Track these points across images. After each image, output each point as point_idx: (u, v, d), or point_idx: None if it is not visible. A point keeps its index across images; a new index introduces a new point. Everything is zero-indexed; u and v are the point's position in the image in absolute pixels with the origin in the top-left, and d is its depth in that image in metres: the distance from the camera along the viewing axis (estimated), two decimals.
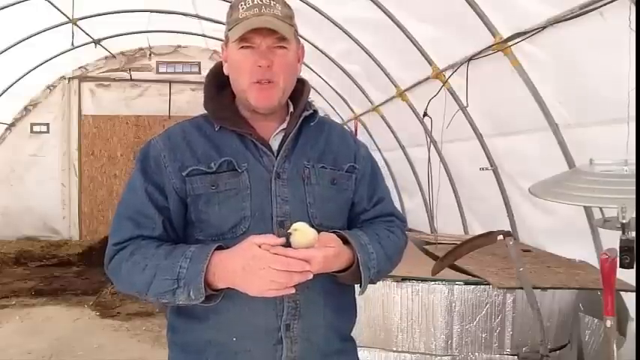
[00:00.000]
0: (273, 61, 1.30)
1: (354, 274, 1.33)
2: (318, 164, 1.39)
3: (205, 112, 1.42)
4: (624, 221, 1.62)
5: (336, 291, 1.39)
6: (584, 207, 2.96)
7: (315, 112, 1.44)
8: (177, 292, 1.22)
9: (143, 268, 1.25)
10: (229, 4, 1.39)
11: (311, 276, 1.20)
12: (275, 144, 1.38)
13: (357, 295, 1.48)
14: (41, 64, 7.85)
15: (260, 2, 1.31)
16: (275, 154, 1.36)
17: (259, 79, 1.31)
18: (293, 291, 1.20)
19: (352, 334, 1.50)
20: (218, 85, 1.43)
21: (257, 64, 1.29)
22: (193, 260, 1.22)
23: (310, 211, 1.34)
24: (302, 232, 1.24)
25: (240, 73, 1.33)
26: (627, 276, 2.09)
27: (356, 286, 1.42)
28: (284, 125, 1.40)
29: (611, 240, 1.92)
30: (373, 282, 1.39)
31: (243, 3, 1.32)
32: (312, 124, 1.43)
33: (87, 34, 7.28)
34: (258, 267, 1.17)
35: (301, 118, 1.40)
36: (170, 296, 1.23)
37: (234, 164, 1.33)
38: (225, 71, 1.38)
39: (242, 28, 1.28)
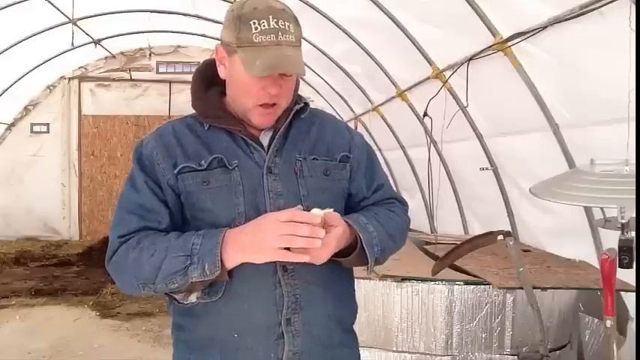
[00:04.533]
0: (282, 87, 1.30)
1: (358, 255, 1.33)
2: (310, 156, 1.39)
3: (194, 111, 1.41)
4: (623, 221, 1.62)
5: (335, 282, 1.39)
6: (584, 207, 2.96)
7: (306, 104, 1.44)
8: (190, 268, 1.20)
9: (152, 253, 1.24)
10: (229, 4, 1.35)
11: (320, 240, 1.18)
12: (266, 139, 1.38)
13: (356, 291, 1.49)
14: (41, 64, 7.87)
15: (276, 26, 1.23)
16: (266, 149, 1.36)
17: (265, 103, 1.30)
18: (306, 258, 1.18)
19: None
20: (206, 82, 1.41)
21: (266, 90, 1.28)
22: (207, 236, 1.23)
23: (304, 204, 1.32)
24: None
25: (246, 93, 1.30)
26: (627, 276, 2.09)
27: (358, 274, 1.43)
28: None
29: (611, 240, 1.92)
30: (379, 262, 1.38)
31: (256, 22, 1.23)
32: (302, 116, 1.43)
33: (87, 34, 7.30)
34: (267, 221, 1.19)
35: (292, 112, 1.40)
36: (181, 276, 1.22)
37: (225, 161, 1.33)
38: (221, 75, 1.36)
39: (262, 66, 1.21)
